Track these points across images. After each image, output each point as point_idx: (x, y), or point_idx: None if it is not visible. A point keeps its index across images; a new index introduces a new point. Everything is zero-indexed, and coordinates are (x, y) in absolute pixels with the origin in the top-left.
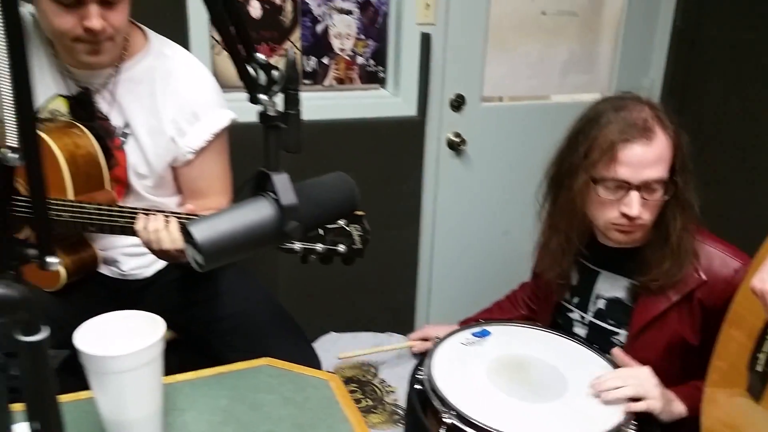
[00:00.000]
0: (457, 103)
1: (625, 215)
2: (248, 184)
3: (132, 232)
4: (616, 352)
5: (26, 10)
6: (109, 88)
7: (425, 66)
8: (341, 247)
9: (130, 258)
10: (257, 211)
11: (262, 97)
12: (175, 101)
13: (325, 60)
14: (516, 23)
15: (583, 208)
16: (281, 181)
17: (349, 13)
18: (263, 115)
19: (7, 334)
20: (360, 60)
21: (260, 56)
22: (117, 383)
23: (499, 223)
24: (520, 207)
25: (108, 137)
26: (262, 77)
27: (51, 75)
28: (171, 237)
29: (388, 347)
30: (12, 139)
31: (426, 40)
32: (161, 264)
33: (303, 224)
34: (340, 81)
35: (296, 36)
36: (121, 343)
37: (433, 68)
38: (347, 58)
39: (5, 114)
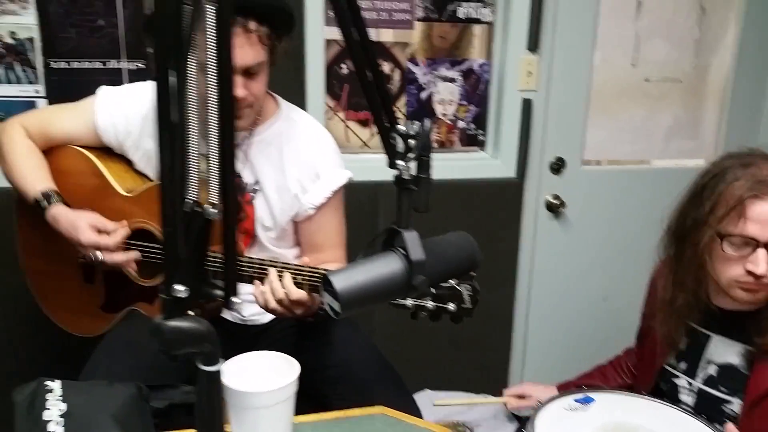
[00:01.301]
0: (557, 166)
1: (751, 273)
2: (379, 239)
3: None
4: (731, 428)
5: None
6: (243, 149)
7: (525, 130)
8: (451, 306)
9: (250, 304)
10: (388, 265)
11: (400, 162)
12: (299, 161)
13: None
14: (618, 89)
15: (706, 265)
16: (411, 238)
17: (452, 80)
18: (399, 179)
19: (181, 362)
20: (461, 124)
21: (401, 127)
22: (255, 418)
23: (598, 289)
24: (620, 272)
25: (239, 192)
26: (401, 145)
27: None
28: (286, 288)
29: (483, 400)
30: (213, 197)
31: (527, 105)
32: None
33: (429, 279)
34: (442, 144)
35: (402, 102)
36: (260, 381)
37: (534, 132)
38: (449, 122)
39: (211, 175)
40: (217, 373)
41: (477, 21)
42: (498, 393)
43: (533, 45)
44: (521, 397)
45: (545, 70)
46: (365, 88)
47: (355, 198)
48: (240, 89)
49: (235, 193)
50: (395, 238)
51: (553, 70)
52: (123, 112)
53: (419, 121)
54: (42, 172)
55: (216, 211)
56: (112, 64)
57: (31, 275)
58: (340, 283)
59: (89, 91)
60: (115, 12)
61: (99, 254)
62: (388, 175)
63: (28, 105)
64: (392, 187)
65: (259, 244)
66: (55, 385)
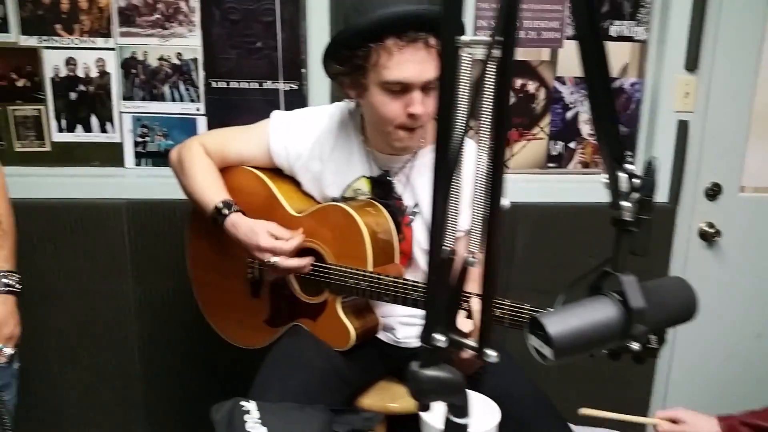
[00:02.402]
0: (713, 192)
1: None
2: (584, 280)
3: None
4: None
5: (343, 104)
6: (405, 172)
7: (680, 153)
8: (635, 345)
9: (405, 327)
10: (604, 311)
11: (624, 203)
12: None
13: (572, 144)
14: None
15: None
16: (630, 284)
17: None
18: (619, 220)
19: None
20: None
21: (629, 166)
22: None
23: (752, 325)
24: None
25: (399, 215)
26: (625, 184)
27: (359, 158)
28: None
29: (633, 418)
30: (474, 246)
31: (683, 127)
32: None
33: (648, 328)
34: (586, 165)
35: (546, 122)
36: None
37: (689, 155)
38: (595, 142)
39: (473, 223)
40: (466, 427)
41: (629, 39)
42: (637, 427)
43: (692, 64)
44: (674, 421)
45: (703, 90)
46: (596, 120)
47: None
48: (419, 106)
49: (499, 242)
50: (608, 280)
51: (712, 91)
52: (295, 135)
53: (563, 141)
54: (221, 187)
55: (475, 259)
56: (268, 84)
57: (198, 287)
58: (554, 327)
59: (246, 109)
60: (274, 35)
61: (275, 258)
62: (526, 196)
63: (190, 122)
64: (531, 208)
65: (415, 267)
66: (251, 407)
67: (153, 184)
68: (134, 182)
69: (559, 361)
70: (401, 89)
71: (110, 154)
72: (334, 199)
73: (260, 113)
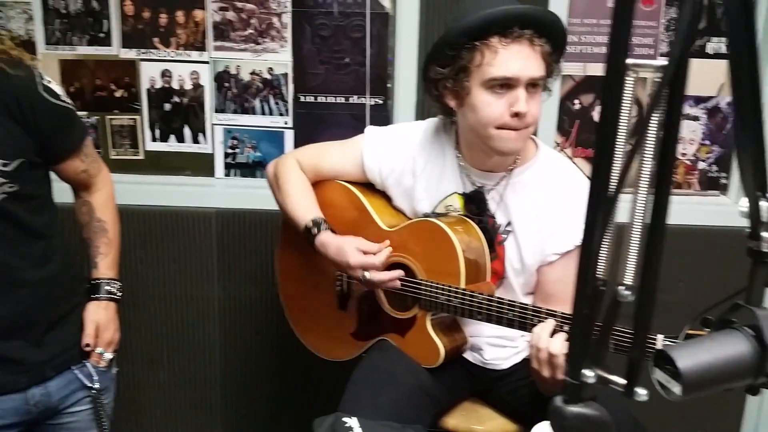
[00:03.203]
0: None
1: None
2: (713, 312)
3: (519, 326)
4: None
5: (437, 120)
6: (499, 190)
7: None
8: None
9: (493, 348)
10: (736, 347)
11: (764, 234)
12: (555, 206)
13: None
14: None
15: None
16: (766, 319)
17: (695, 119)
18: (756, 251)
19: None
20: (701, 165)
21: None
22: None
23: None
24: None
25: (492, 233)
26: (766, 214)
27: (452, 174)
28: (555, 346)
29: None
30: (628, 278)
31: None
32: (518, 358)
33: None
34: (678, 185)
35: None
36: None
37: None
38: (688, 162)
39: (629, 253)
40: None
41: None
42: None
43: None
44: None
45: None
46: (740, 145)
47: None
48: (523, 104)
49: (657, 274)
50: (738, 314)
51: None
52: (388, 150)
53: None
54: (313, 203)
55: (630, 293)
56: (354, 99)
57: (286, 299)
58: (684, 362)
59: (332, 123)
60: (363, 51)
61: (366, 273)
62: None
63: (278, 135)
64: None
65: (506, 287)
66: (353, 423)
67: (241, 195)
68: (223, 192)
69: (687, 398)
70: (505, 87)
71: (201, 164)
72: (426, 215)
73: (346, 127)
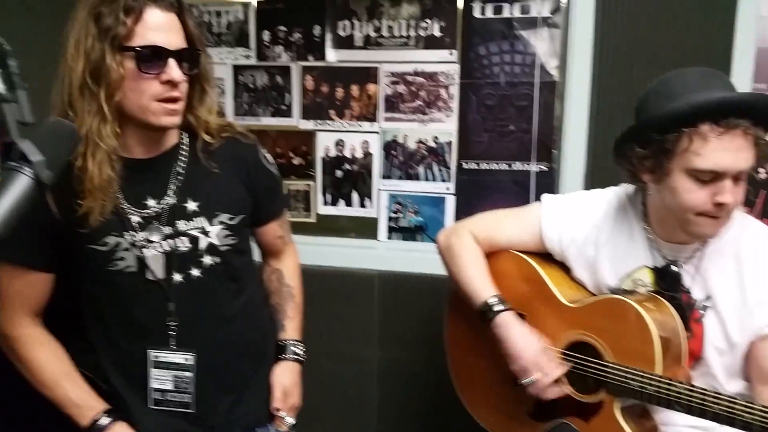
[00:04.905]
0: None
1: None
2: None
3: (727, 422)
4: None
5: (620, 190)
6: (694, 262)
7: None
8: None
9: None
10: None
11: None
12: (760, 272)
13: None
14: None
15: None
16: None
17: None
18: None
19: None
20: None
21: None
22: None
23: None
24: None
25: (687, 310)
26: None
27: (640, 247)
28: None
29: None
30: None
31: None
32: None
33: None
34: None
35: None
36: None
37: None
38: None
39: None
40: None
41: None
42: None
43: None
44: None
45: None
46: None
47: None
48: (729, 195)
49: None
50: None
51: None
52: (569, 220)
53: None
54: (488, 278)
55: None
56: (517, 165)
57: (455, 367)
58: None
59: (495, 190)
60: (528, 118)
61: (533, 379)
62: None
63: (439, 200)
64: None
65: (705, 370)
66: None
67: (402, 258)
68: (385, 254)
69: None
70: (711, 178)
71: (366, 228)
72: (611, 289)
73: (508, 193)
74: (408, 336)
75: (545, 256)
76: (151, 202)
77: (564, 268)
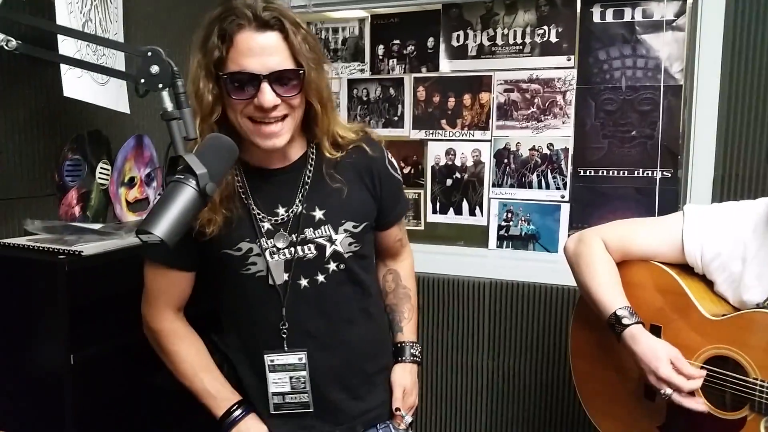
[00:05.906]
0: None
1: None
2: None
3: None
4: None
5: (765, 202)
6: None
7: None
8: None
9: None
10: None
11: None
12: None
13: None
14: None
15: None
16: None
17: None
18: None
19: None
20: None
21: None
22: None
23: None
24: None
25: None
26: None
27: None
28: None
29: None
30: None
31: None
32: None
33: None
34: None
35: None
36: None
37: None
38: None
39: None
40: None
41: None
42: None
43: None
44: None
45: None
46: None
47: None
48: None
49: None
50: None
51: None
52: (714, 232)
53: None
54: (619, 289)
55: None
56: (638, 172)
57: (579, 378)
58: None
59: (613, 197)
60: (651, 124)
61: (669, 390)
62: None
63: (553, 208)
64: None
65: None
66: None
67: (512, 266)
68: (495, 263)
69: None
70: None
71: (475, 236)
72: (759, 305)
73: (629, 200)
74: (517, 344)
75: (684, 268)
76: (281, 210)
77: (704, 280)
